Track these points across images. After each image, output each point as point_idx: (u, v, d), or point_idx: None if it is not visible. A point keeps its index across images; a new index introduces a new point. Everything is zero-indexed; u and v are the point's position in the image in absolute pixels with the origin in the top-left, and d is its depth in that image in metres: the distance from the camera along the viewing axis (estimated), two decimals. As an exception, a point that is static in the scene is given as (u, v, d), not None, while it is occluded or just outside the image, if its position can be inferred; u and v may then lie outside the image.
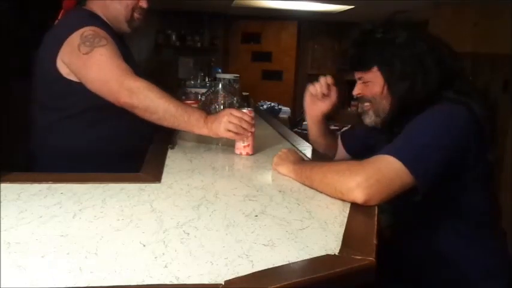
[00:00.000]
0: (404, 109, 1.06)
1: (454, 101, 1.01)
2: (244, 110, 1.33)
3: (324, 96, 1.33)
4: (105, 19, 1.43)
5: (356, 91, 1.17)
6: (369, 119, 1.17)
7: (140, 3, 1.44)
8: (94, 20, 1.38)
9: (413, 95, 1.04)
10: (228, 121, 1.25)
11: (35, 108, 1.44)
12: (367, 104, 1.16)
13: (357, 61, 1.14)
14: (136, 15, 1.45)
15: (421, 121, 0.98)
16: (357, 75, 1.15)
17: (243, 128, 1.26)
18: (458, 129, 0.97)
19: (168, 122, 1.27)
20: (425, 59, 1.04)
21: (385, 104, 1.11)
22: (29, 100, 1.45)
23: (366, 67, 1.11)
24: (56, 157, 1.41)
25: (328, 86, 1.32)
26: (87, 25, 1.31)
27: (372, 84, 1.12)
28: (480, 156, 1.01)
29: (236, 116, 1.26)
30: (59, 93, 1.36)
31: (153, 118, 1.27)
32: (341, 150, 1.45)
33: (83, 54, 1.26)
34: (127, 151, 1.39)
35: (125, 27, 1.46)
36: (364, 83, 1.14)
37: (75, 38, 1.28)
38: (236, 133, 1.26)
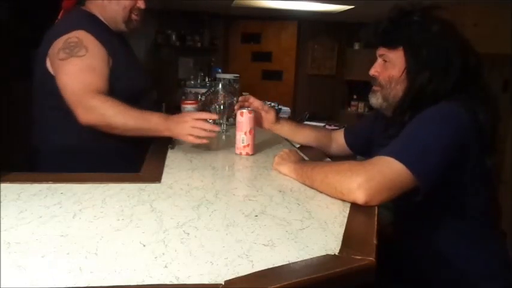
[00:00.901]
0: (415, 101, 1.05)
1: (456, 101, 1.00)
2: (244, 110, 1.33)
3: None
4: (102, 20, 1.44)
5: (373, 70, 1.15)
6: (376, 100, 1.16)
7: (138, 4, 1.46)
8: (88, 22, 1.39)
9: (428, 88, 1.03)
10: (190, 126, 1.27)
11: (35, 106, 1.45)
12: (377, 86, 1.15)
13: (387, 36, 1.11)
14: (133, 16, 1.47)
15: (420, 121, 0.98)
16: (380, 51, 1.13)
17: (207, 131, 1.28)
18: (457, 129, 0.96)
19: (131, 133, 1.30)
20: (452, 56, 1.03)
21: (398, 89, 1.10)
22: (29, 99, 1.46)
23: (392, 45, 1.10)
24: (54, 155, 1.42)
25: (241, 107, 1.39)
26: (78, 29, 1.32)
27: (391, 66, 1.11)
28: (479, 159, 1.00)
29: (198, 120, 1.28)
30: (52, 91, 1.37)
31: (116, 132, 1.29)
32: (339, 145, 1.49)
33: (59, 59, 1.29)
34: (124, 149, 1.40)
35: (122, 27, 1.47)
36: (384, 61, 1.13)
37: (59, 42, 1.31)
38: (197, 137, 1.28)
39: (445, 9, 1.09)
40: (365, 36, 1.18)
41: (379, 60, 1.14)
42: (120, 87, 1.38)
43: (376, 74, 1.15)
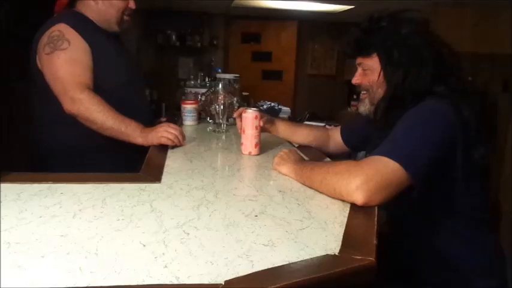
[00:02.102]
0: (396, 99, 1.08)
1: (441, 97, 1.02)
2: (250, 111, 1.34)
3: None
4: (93, 20, 1.50)
5: (355, 79, 1.20)
6: (364, 108, 1.21)
7: (129, 5, 1.53)
8: (72, 18, 1.45)
9: (405, 86, 1.07)
10: (165, 130, 1.36)
11: (36, 107, 1.49)
12: (364, 92, 1.20)
13: (360, 46, 1.17)
14: (125, 17, 1.55)
15: (409, 120, 1.00)
16: (358, 60, 1.18)
17: (178, 139, 1.38)
18: (444, 125, 0.98)
19: (106, 132, 1.37)
20: (423, 54, 1.06)
21: (380, 92, 1.14)
22: (29, 99, 1.50)
23: (367, 53, 1.15)
24: (53, 155, 1.45)
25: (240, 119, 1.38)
26: (58, 22, 1.40)
27: (370, 72, 1.15)
28: (467, 154, 1.01)
29: (173, 128, 1.38)
30: (43, 88, 1.42)
31: (94, 128, 1.36)
32: (337, 142, 1.51)
33: (45, 54, 1.37)
34: (124, 149, 1.41)
35: (115, 28, 1.55)
36: (363, 70, 1.17)
37: (45, 38, 1.39)
38: (169, 139, 1.35)
39: (414, 11, 1.12)
40: (344, 49, 1.24)
41: (359, 69, 1.19)
42: (98, 83, 1.42)
43: (358, 82, 1.19)
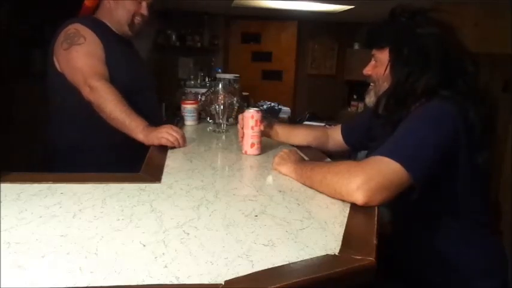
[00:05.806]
0: (397, 97, 1.09)
1: (447, 98, 1.02)
2: (251, 110, 1.34)
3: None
4: (108, 24, 1.58)
5: (365, 70, 1.21)
6: (368, 99, 1.22)
7: (141, 10, 1.59)
8: (88, 20, 1.52)
9: (407, 85, 1.07)
10: (166, 132, 1.36)
11: (49, 106, 1.56)
12: (372, 84, 1.21)
13: (375, 37, 1.18)
14: (136, 20, 1.60)
15: (412, 120, 1.00)
16: (373, 52, 1.19)
17: (178, 142, 1.38)
18: (448, 127, 0.98)
19: (112, 122, 1.39)
20: (432, 56, 1.05)
21: (385, 86, 1.14)
22: (30, 99, 1.54)
23: (379, 45, 1.15)
24: (57, 154, 1.48)
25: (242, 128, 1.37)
26: (74, 23, 1.48)
27: (380, 65, 1.16)
28: (470, 157, 1.01)
29: (175, 130, 1.39)
30: (57, 87, 1.49)
31: (104, 116, 1.39)
32: (337, 142, 1.50)
33: (63, 50, 1.44)
34: (124, 148, 1.42)
35: (126, 30, 1.60)
36: (375, 62, 1.18)
37: (61, 37, 1.46)
38: (169, 141, 1.35)
39: (442, 11, 1.10)
40: (359, 39, 1.25)
41: (372, 61, 1.20)
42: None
43: (368, 73, 1.20)
